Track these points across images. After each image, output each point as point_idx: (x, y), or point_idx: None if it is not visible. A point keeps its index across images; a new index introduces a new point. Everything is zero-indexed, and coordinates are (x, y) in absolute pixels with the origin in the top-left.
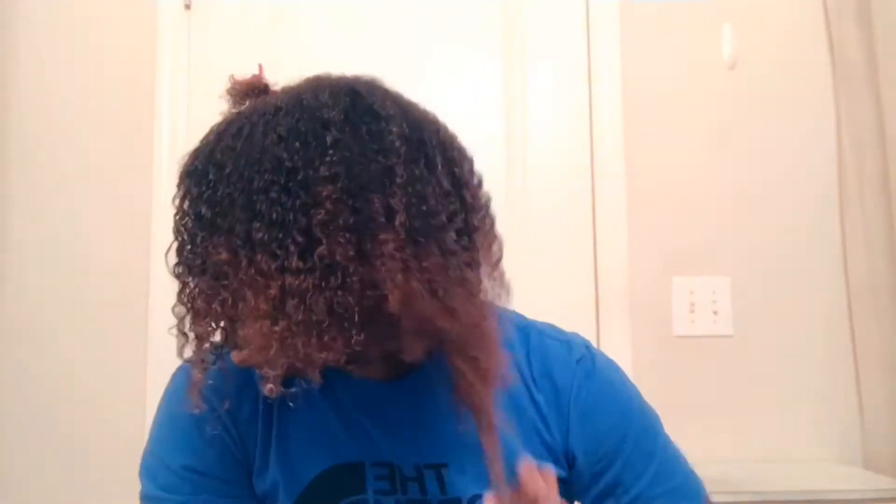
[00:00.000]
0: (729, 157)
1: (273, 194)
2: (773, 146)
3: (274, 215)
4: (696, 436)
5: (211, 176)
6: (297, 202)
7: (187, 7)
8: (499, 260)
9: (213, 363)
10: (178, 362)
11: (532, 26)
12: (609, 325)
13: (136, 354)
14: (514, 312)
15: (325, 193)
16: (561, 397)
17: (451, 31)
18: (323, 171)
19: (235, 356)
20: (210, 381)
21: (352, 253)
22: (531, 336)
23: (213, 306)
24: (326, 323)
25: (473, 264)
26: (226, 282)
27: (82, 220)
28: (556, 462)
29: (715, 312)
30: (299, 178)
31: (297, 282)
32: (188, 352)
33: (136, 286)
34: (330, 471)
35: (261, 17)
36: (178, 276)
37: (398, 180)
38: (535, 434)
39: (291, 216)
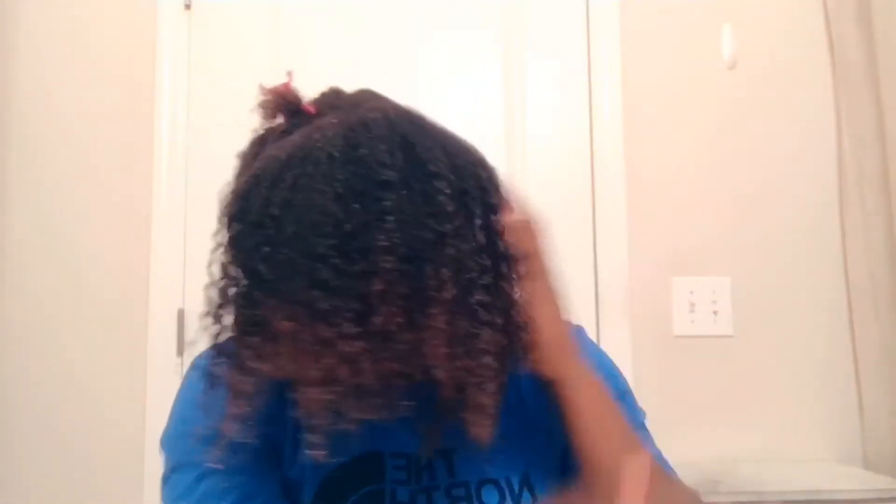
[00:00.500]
0: (729, 157)
1: (334, 260)
2: (773, 146)
3: (335, 283)
4: (696, 435)
5: (270, 231)
6: (356, 269)
7: (187, 7)
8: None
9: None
10: (177, 363)
11: (532, 26)
12: (609, 325)
13: (136, 354)
14: None
15: (382, 264)
16: None
17: (452, 30)
18: (381, 239)
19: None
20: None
21: (402, 321)
22: None
23: (265, 368)
24: (376, 386)
25: (495, 315)
26: (284, 345)
27: (82, 219)
28: (557, 440)
29: (715, 312)
30: (356, 244)
31: (350, 349)
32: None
33: (136, 286)
34: (350, 461)
35: (261, 17)
36: (217, 320)
37: (448, 250)
38: (538, 422)
39: (350, 284)
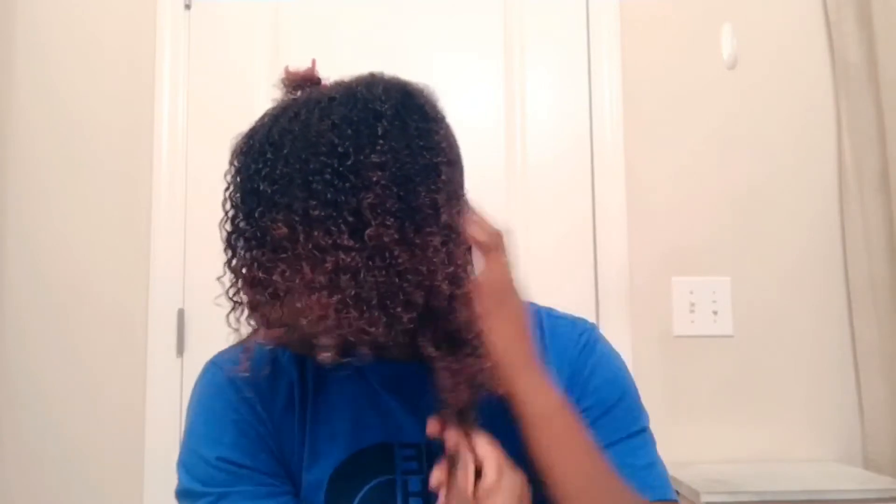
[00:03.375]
0: (729, 157)
1: (327, 175)
2: (773, 146)
3: (328, 195)
4: (695, 436)
5: (269, 155)
6: (348, 184)
7: (187, 7)
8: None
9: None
10: (176, 362)
11: (532, 26)
12: (609, 325)
13: (136, 354)
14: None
15: (374, 178)
16: (565, 363)
17: (452, 31)
18: (374, 157)
19: (265, 333)
20: (244, 374)
21: (397, 237)
22: (543, 319)
23: (273, 277)
24: (375, 300)
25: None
26: (284, 254)
27: (82, 219)
28: None
29: (715, 312)
30: (350, 162)
31: (348, 258)
32: (236, 321)
33: (136, 286)
34: (359, 453)
35: (261, 16)
36: (231, 244)
37: (443, 178)
38: None
39: (343, 197)
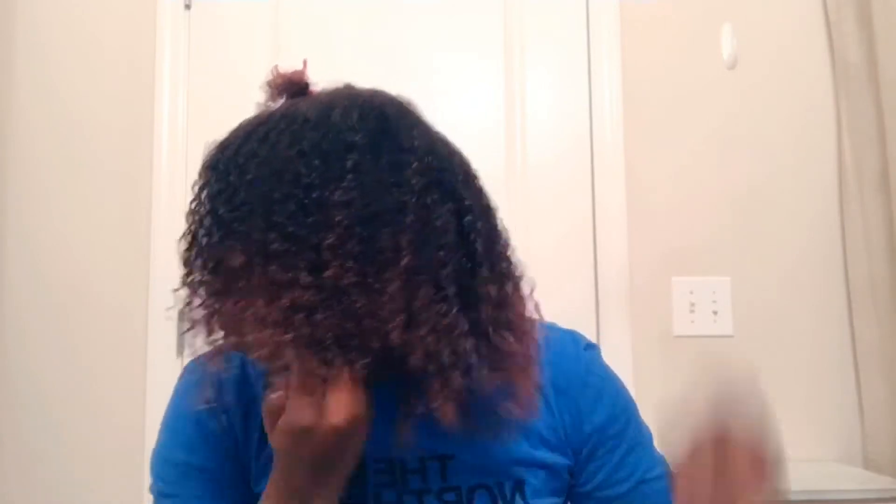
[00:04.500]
0: (729, 157)
1: (291, 207)
2: (773, 146)
3: (289, 228)
4: None
5: (232, 178)
6: (311, 220)
7: (187, 7)
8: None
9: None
10: (177, 362)
11: (532, 26)
12: (609, 325)
13: (136, 355)
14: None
15: (337, 218)
16: (572, 381)
17: (452, 31)
18: (338, 195)
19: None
20: (219, 387)
21: (355, 280)
22: (547, 333)
23: (225, 306)
24: (330, 341)
25: (470, 308)
26: (239, 284)
27: (82, 220)
28: (561, 453)
29: (715, 312)
30: (314, 196)
31: (305, 296)
32: (192, 339)
33: (136, 287)
34: None
35: (261, 16)
36: (188, 264)
37: (408, 218)
38: (534, 430)
39: (304, 232)
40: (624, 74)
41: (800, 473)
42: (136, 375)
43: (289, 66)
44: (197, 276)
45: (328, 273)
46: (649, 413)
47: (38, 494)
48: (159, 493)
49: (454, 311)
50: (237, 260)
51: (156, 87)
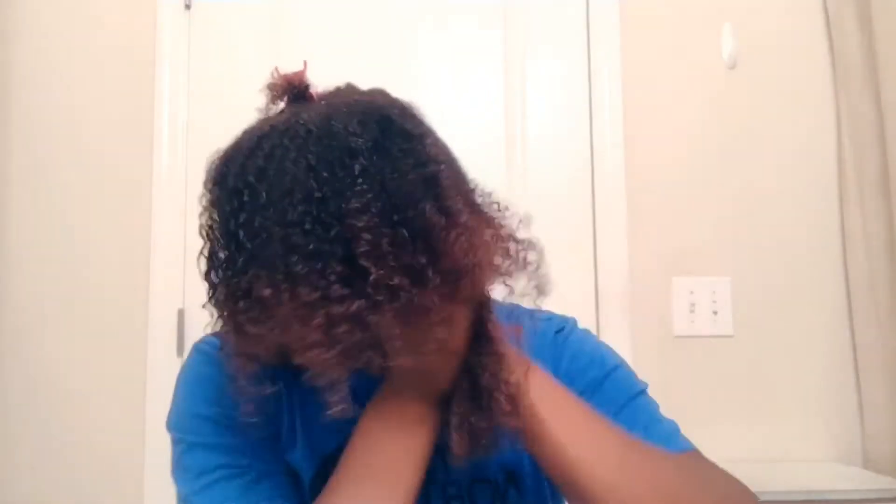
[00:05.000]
0: (729, 156)
1: (307, 226)
2: (773, 146)
3: (311, 247)
4: (695, 436)
5: (245, 198)
6: (333, 232)
7: (187, 7)
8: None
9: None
10: (177, 362)
11: (532, 26)
12: (609, 326)
13: (136, 354)
14: (509, 304)
15: (360, 225)
16: (546, 366)
17: (452, 31)
18: (354, 202)
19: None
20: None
21: (401, 276)
22: (524, 322)
23: (262, 332)
24: (374, 342)
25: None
26: (271, 313)
27: (82, 219)
28: None
29: (715, 312)
30: (331, 209)
31: (342, 308)
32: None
33: (136, 286)
34: (341, 447)
35: (261, 17)
36: (212, 283)
37: (445, 182)
38: None
39: (328, 246)
40: (624, 74)
41: (800, 473)
42: (136, 375)
43: (289, 67)
44: (228, 304)
45: (374, 279)
46: None
47: (38, 494)
48: (192, 445)
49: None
50: (264, 290)
51: (156, 87)
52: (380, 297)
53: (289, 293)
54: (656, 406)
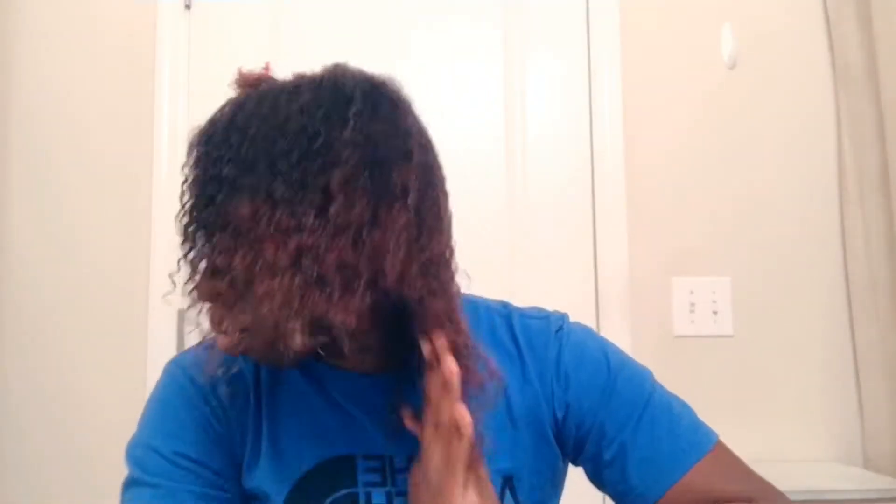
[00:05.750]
0: (729, 156)
1: (294, 157)
2: (773, 146)
3: (294, 175)
4: None
5: (233, 139)
6: (318, 163)
7: (187, 7)
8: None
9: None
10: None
11: (532, 26)
12: (609, 326)
13: (136, 354)
14: (496, 301)
15: (345, 154)
16: (545, 367)
17: (452, 31)
18: (346, 134)
19: (223, 341)
20: (205, 381)
21: (366, 216)
22: (513, 319)
23: (234, 262)
24: (337, 281)
25: (452, 255)
26: (245, 237)
27: (82, 219)
28: (548, 445)
29: (715, 312)
30: (320, 142)
31: (311, 239)
32: (197, 317)
33: (136, 286)
34: (321, 465)
35: (261, 16)
36: (189, 236)
37: (413, 161)
38: (522, 422)
39: (311, 177)
40: (624, 74)
41: (800, 473)
42: (136, 375)
43: (289, 67)
44: (201, 246)
45: (335, 208)
46: None
47: (37, 495)
48: (134, 482)
49: (450, 249)
50: (244, 209)
51: (156, 87)
52: (337, 230)
53: (268, 216)
54: (666, 395)
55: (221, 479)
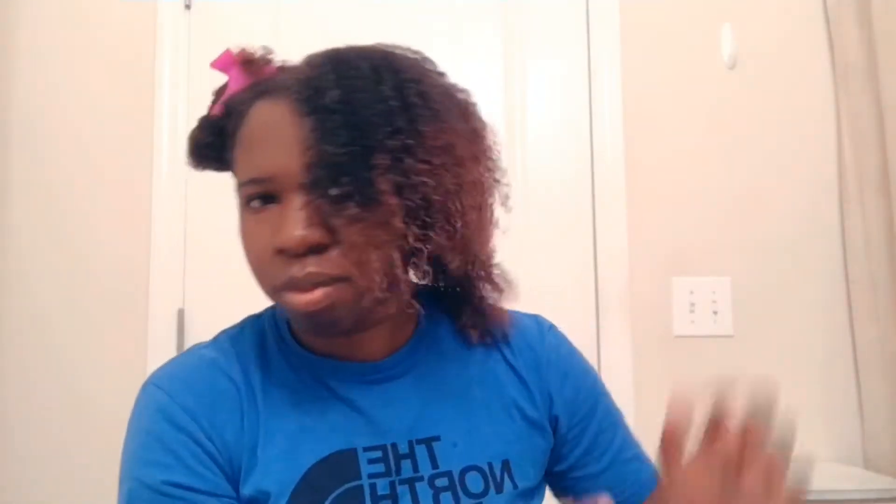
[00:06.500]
0: (729, 156)
1: (392, 102)
2: (773, 146)
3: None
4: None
5: (383, 88)
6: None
7: (187, 7)
8: None
9: (194, 374)
10: None
11: (532, 26)
12: (609, 325)
13: (136, 354)
14: None
15: (437, 161)
16: (540, 362)
17: (453, 31)
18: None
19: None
20: (187, 399)
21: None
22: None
23: (339, 223)
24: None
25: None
26: (365, 210)
27: (83, 219)
28: (541, 433)
29: (715, 312)
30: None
31: (400, 222)
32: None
33: (136, 286)
34: (322, 461)
35: (261, 16)
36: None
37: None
38: (515, 410)
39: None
40: (624, 74)
41: None
42: (136, 375)
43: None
44: (325, 195)
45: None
46: (649, 413)
47: (37, 495)
48: None
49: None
50: (379, 187)
51: (156, 87)
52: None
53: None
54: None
55: (217, 500)
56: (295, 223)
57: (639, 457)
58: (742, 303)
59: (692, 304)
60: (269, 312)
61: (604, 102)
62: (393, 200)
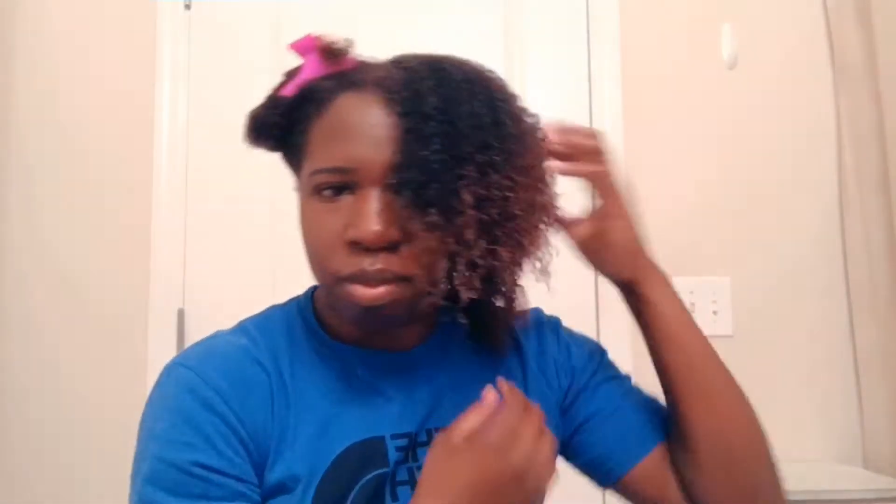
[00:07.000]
0: (729, 156)
1: (486, 119)
2: (773, 146)
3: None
4: None
5: (459, 109)
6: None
7: (187, 7)
8: None
9: (221, 362)
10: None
11: (532, 26)
12: (609, 325)
13: (136, 354)
14: None
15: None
16: (545, 345)
17: (453, 31)
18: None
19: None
20: (219, 381)
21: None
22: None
23: (415, 226)
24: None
25: None
26: (445, 219)
27: (82, 220)
28: (552, 426)
29: (715, 312)
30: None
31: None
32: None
33: (136, 286)
34: (352, 447)
35: (261, 17)
36: (402, 186)
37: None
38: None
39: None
40: (624, 74)
41: (800, 473)
42: (136, 375)
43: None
44: (406, 199)
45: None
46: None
47: (37, 495)
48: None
49: None
50: (464, 197)
51: (156, 87)
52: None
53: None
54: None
55: (243, 484)
56: (374, 218)
57: (644, 402)
58: (742, 303)
59: (692, 305)
60: (294, 302)
61: (603, 102)
62: (472, 212)
